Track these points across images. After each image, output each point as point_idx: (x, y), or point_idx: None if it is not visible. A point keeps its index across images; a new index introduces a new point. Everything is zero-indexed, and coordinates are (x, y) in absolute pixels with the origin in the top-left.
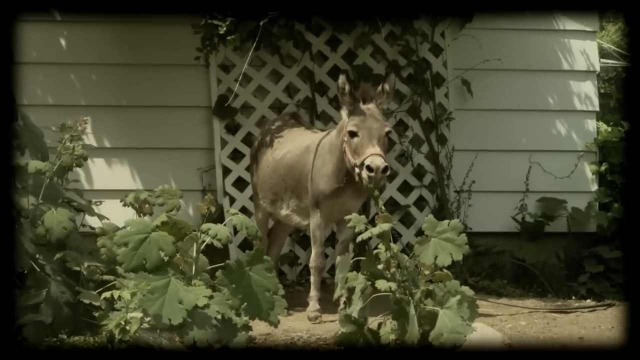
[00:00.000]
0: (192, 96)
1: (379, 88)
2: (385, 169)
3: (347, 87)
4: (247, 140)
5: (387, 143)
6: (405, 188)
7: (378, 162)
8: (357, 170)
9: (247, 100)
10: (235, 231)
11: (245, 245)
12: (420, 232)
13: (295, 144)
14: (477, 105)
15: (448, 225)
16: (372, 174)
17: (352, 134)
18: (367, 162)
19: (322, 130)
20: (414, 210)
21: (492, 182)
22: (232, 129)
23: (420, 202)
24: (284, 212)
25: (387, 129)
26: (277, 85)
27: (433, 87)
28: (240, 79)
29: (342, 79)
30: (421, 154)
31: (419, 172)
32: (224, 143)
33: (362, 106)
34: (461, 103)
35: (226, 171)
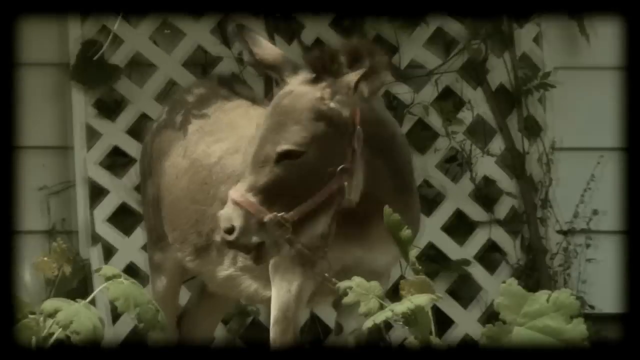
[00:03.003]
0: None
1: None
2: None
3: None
4: (137, 130)
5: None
6: (458, 225)
7: None
8: None
9: (138, 51)
10: (116, 313)
11: (134, 337)
12: (490, 315)
13: (237, 134)
14: (597, 60)
15: (548, 300)
16: None
17: None
18: None
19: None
20: (476, 270)
21: None
22: (109, 108)
23: (489, 254)
24: (222, 270)
25: None
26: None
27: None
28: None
29: None
30: (490, 158)
31: (485, 194)
32: (92, 135)
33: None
34: (567, 57)
35: (96, 192)
